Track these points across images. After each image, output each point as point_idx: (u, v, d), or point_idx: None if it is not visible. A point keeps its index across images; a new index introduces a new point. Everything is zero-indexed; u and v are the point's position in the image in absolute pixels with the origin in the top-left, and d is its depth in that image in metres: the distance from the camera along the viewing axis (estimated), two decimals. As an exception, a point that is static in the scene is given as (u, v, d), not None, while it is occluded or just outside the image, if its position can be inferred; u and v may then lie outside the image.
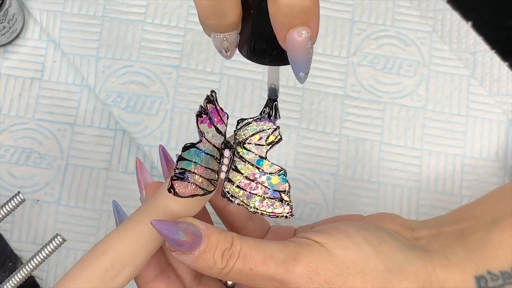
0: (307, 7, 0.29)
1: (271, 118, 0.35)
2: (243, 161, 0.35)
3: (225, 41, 0.31)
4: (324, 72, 0.52)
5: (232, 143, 0.36)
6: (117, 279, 0.33)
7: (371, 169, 0.51)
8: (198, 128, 0.34)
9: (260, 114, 0.35)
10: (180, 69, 0.52)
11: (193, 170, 0.34)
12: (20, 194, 0.39)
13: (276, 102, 0.35)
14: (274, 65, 0.32)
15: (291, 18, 0.29)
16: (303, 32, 0.29)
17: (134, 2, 0.53)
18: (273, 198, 0.35)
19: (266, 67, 0.33)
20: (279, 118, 0.36)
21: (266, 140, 0.36)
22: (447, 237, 0.38)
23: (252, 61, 0.32)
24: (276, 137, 0.36)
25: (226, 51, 0.32)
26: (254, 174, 0.35)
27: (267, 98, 0.35)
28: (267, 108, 0.35)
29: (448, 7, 0.54)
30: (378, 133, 0.52)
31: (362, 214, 0.43)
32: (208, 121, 0.35)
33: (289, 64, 0.31)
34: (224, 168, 0.35)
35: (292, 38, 0.29)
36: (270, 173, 0.35)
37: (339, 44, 0.53)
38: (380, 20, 0.53)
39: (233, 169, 0.35)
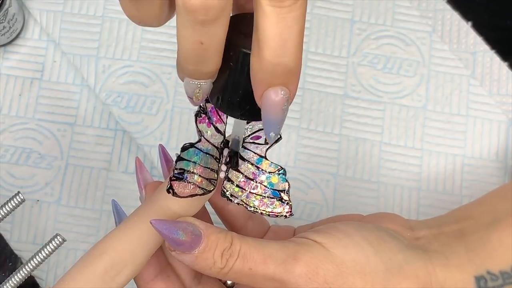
0: (290, 68, 0.28)
1: (229, 166, 0.35)
2: (243, 160, 0.35)
3: (198, 88, 0.31)
4: (324, 72, 0.52)
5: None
6: (117, 279, 0.33)
7: (371, 169, 0.51)
8: (197, 127, 0.34)
9: (219, 161, 0.35)
10: (180, 69, 0.52)
11: (192, 170, 0.34)
12: (20, 194, 0.39)
13: (237, 154, 0.35)
14: (246, 119, 0.32)
15: (272, 77, 0.28)
16: (282, 92, 0.28)
17: (134, 2, 0.53)
18: (272, 198, 0.35)
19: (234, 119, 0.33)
20: (236, 167, 0.35)
21: (265, 140, 0.36)
22: (447, 237, 0.38)
23: (223, 112, 0.32)
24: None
25: (196, 99, 0.31)
26: (253, 173, 0.35)
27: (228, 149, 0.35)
28: (228, 158, 0.35)
29: (448, 7, 0.54)
30: (378, 133, 0.52)
31: (362, 214, 0.43)
32: (207, 120, 0.35)
33: (260, 120, 0.30)
34: (224, 167, 0.35)
35: (269, 97, 0.29)
36: (270, 172, 0.35)
37: (339, 44, 0.53)
38: (380, 20, 0.53)
39: (232, 169, 0.35)
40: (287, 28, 0.27)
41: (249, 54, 0.28)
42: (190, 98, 0.32)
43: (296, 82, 0.29)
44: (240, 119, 0.32)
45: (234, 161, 0.35)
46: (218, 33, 0.28)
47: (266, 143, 0.36)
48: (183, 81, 0.31)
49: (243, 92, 0.30)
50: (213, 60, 0.29)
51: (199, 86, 0.31)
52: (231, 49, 0.29)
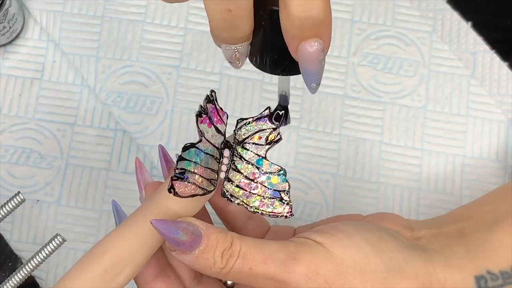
0: (319, 20, 0.28)
1: (281, 123, 0.35)
2: (243, 160, 0.35)
3: (236, 52, 0.31)
4: (324, 72, 0.52)
5: (231, 143, 0.36)
6: (117, 279, 0.33)
7: (371, 169, 0.51)
8: (198, 128, 0.34)
9: (271, 118, 0.35)
10: (180, 69, 0.52)
11: (193, 170, 0.34)
12: (20, 194, 0.39)
13: (287, 108, 0.35)
14: (286, 75, 0.32)
15: (303, 31, 0.29)
16: (315, 43, 0.29)
17: (134, 2, 0.53)
18: (273, 198, 0.35)
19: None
20: (289, 123, 0.35)
21: (265, 140, 0.36)
22: (447, 237, 0.38)
23: (264, 71, 0.32)
24: (276, 136, 0.36)
25: (237, 62, 0.32)
26: (254, 173, 0.35)
27: (277, 104, 0.35)
28: (278, 113, 0.35)
29: (448, 7, 0.54)
30: (378, 133, 0.52)
31: (362, 214, 0.43)
32: (208, 121, 0.35)
33: (300, 74, 0.31)
34: (224, 167, 0.35)
35: (304, 50, 0.29)
36: (270, 173, 0.35)
37: (339, 44, 0.53)
38: (380, 20, 0.53)
39: (233, 169, 0.35)
40: None
41: (278, 11, 0.29)
42: (230, 62, 0.32)
43: (329, 32, 0.29)
44: (281, 75, 0.32)
45: (284, 117, 0.35)
46: None
47: (266, 143, 0.36)
48: (220, 47, 0.31)
49: (279, 49, 0.31)
50: (245, 25, 0.30)
51: (236, 50, 0.31)
52: (261, 9, 0.30)
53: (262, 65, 0.32)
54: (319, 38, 0.29)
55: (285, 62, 0.31)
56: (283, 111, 0.35)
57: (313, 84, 0.31)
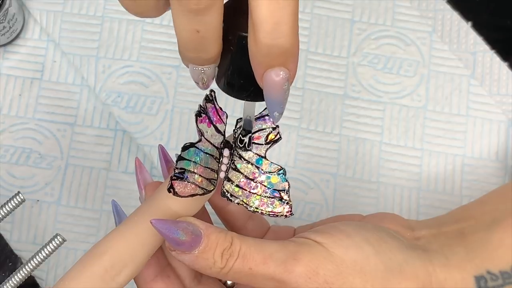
0: (286, 48, 0.28)
1: (244, 147, 0.35)
2: (243, 160, 0.35)
3: (202, 74, 0.31)
4: (324, 72, 0.52)
5: (231, 143, 0.36)
6: (117, 279, 0.33)
7: (371, 169, 0.51)
8: (198, 127, 0.34)
9: (234, 143, 0.35)
10: (180, 69, 0.52)
11: (192, 170, 0.34)
12: (20, 194, 0.39)
13: (250, 134, 0.35)
14: (251, 100, 0.32)
15: (269, 59, 0.28)
16: (281, 73, 0.29)
17: (134, 2, 0.53)
18: (272, 197, 0.35)
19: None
20: (251, 148, 0.35)
21: (265, 139, 0.36)
22: (447, 237, 0.38)
23: (229, 95, 0.32)
24: (276, 136, 0.36)
25: (203, 83, 0.32)
26: (253, 173, 0.35)
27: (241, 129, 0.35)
28: (241, 136, 0.35)
29: (448, 7, 0.54)
30: (378, 133, 0.52)
31: (362, 214, 0.43)
32: (207, 120, 0.35)
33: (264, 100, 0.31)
34: (224, 167, 0.35)
35: (269, 78, 0.29)
36: (270, 172, 0.35)
37: (339, 44, 0.53)
38: (380, 20, 0.53)
39: (232, 169, 0.35)
40: (279, 10, 0.27)
41: (247, 37, 0.28)
42: (197, 83, 0.32)
43: (295, 61, 0.29)
44: (246, 100, 0.32)
45: (246, 142, 0.35)
46: (212, 21, 0.28)
47: (266, 143, 0.36)
48: (187, 67, 0.31)
49: (245, 75, 0.30)
50: (212, 47, 0.30)
51: (202, 71, 0.31)
52: (230, 33, 0.30)
53: (228, 89, 0.32)
54: (285, 68, 0.29)
55: (251, 88, 0.31)
56: (247, 136, 0.35)
57: (276, 113, 0.31)
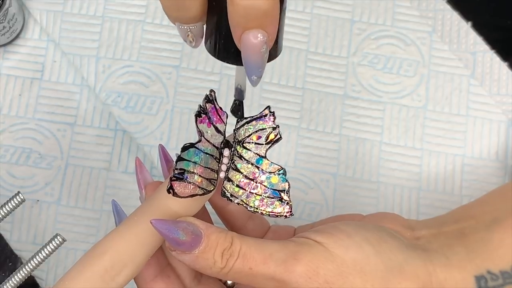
0: (265, 10, 0.28)
1: (237, 117, 0.35)
2: (243, 160, 0.35)
3: (189, 32, 0.31)
4: (324, 72, 0.52)
5: (231, 142, 0.36)
6: (117, 279, 0.33)
7: (371, 169, 0.51)
8: (197, 128, 0.34)
9: (232, 112, 0.35)
10: (180, 69, 0.52)
11: (192, 170, 0.34)
12: (20, 194, 0.39)
13: (242, 104, 0.35)
14: (231, 63, 0.32)
15: (247, 20, 0.28)
16: (259, 35, 0.29)
17: (134, 2, 0.53)
18: (272, 198, 0.35)
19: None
20: (243, 117, 0.35)
21: (265, 139, 0.36)
22: (447, 237, 0.38)
23: (212, 55, 0.32)
24: (276, 136, 0.36)
25: (191, 41, 0.32)
26: (253, 173, 0.35)
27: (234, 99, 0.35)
28: (234, 108, 0.35)
29: (448, 7, 0.54)
30: (378, 133, 0.52)
31: (362, 214, 0.43)
32: (207, 120, 0.35)
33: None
34: (224, 167, 0.35)
35: (246, 40, 0.29)
36: (270, 172, 0.35)
37: (339, 44, 0.53)
38: (380, 20, 0.53)
39: (232, 169, 0.35)
40: None
41: None
42: (185, 41, 0.32)
43: (274, 24, 0.29)
44: (227, 62, 0.32)
45: (239, 112, 0.35)
46: None
47: (266, 143, 0.36)
48: (174, 25, 0.31)
49: (226, 35, 0.30)
50: (193, 5, 0.30)
51: (188, 30, 0.31)
52: None
53: (212, 50, 0.32)
54: (263, 30, 0.29)
55: (232, 50, 0.31)
56: (238, 105, 0.35)
57: (254, 76, 0.31)
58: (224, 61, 0.32)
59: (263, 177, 0.35)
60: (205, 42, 0.32)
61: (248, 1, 0.28)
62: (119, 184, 0.51)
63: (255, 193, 0.35)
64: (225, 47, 0.31)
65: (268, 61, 0.32)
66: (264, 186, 0.35)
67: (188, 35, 0.31)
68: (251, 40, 0.29)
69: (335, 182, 0.51)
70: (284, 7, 0.31)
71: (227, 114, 0.36)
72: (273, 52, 0.32)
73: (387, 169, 0.51)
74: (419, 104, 0.52)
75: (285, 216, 0.35)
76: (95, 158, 0.51)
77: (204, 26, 0.32)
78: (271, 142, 0.36)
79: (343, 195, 0.50)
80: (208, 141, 0.35)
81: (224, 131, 0.36)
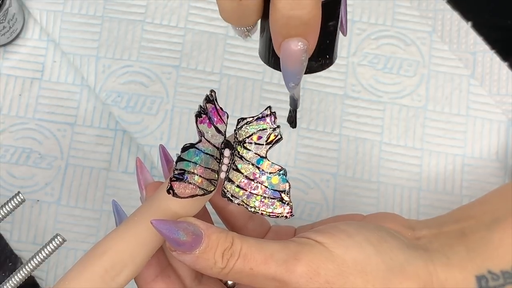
0: (306, 20, 0.28)
1: (292, 127, 0.36)
2: (243, 160, 0.35)
3: (247, 32, 0.32)
4: (324, 72, 0.52)
5: (232, 143, 0.36)
6: (117, 279, 0.33)
7: (371, 169, 0.51)
8: (198, 128, 0.34)
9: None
10: (180, 69, 0.52)
11: (192, 171, 0.34)
12: (20, 194, 0.39)
13: (295, 112, 0.36)
14: (273, 68, 0.32)
15: (288, 29, 0.29)
16: (299, 44, 0.29)
17: (134, 2, 0.53)
18: (273, 198, 0.35)
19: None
20: (295, 127, 0.36)
21: (266, 140, 0.36)
22: (448, 237, 0.38)
23: (259, 56, 0.33)
24: (276, 136, 0.36)
25: (247, 36, 0.33)
26: (254, 173, 0.35)
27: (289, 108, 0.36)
28: (289, 118, 0.36)
29: (448, 7, 0.54)
30: (378, 133, 0.52)
31: (363, 214, 0.43)
32: (207, 121, 0.35)
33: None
34: (224, 167, 0.35)
35: (286, 48, 0.29)
36: (270, 173, 0.35)
37: (339, 44, 0.53)
38: (380, 20, 0.53)
39: (233, 169, 0.35)
40: None
41: None
42: (241, 36, 0.33)
43: (315, 34, 0.29)
44: (269, 66, 0.32)
45: (293, 121, 0.36)
46: None
47: (267, 143, 0.36)
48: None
49: (268, 41, 0.31)
50: (253, 15, 0.30)
51: (246, 30, 0.32)
52: (266, 0, 0.30)
53: (262, 55, 0.33)
54: (303, 39, 0.29)
55: (273, 57, 0.31)
56: (290, 113, 0.36)
57: (292, 83, 0.31)
58: (267, 65, 0.33)
59: (263, 178, 0.35)
60: (260, 51, 0.33)
61: (291, 11, 0.28)
62: (119, 184, 0.51)
63: (256, 194, 0.35)
64: (269, 53, 0.32)
65: (322, 69, 0.33)
66: (265, 186, 0.35)
67: (245, 34, 0.32)
68: (291, 48, 0.29)
69: (335, 182, 0.51)
70: (338, 14, 0.32)
71: (227, 114, 0.36)
72: (329, 62, 0.33)
73: (387, 169, 0.51)
74: (419, 104, 0.52)
75: (286, 216, 0.35)
76: (95, 158, 0.51)
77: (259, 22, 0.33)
78: (272, 143, 0.36)
79: (343, 195, 0.50)
80: (209, 141, 0.35)
81: (225, 132, 0.36)
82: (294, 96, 0.35)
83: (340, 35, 0.34)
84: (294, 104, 0.35)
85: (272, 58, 0.32)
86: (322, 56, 0.32)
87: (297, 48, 0.29)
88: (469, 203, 0.43)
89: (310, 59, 0.31)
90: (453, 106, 0.52)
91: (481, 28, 0.53)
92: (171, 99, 0.52)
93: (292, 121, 0.36)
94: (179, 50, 0.53)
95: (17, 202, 0.39)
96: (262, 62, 0.33)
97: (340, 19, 0.32)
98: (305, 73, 0.32)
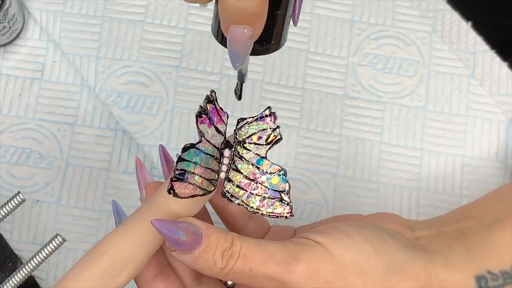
0: (252, 11, 0.29)
1: (237, 98, 0.37)
2: (243, 160, 0.35)
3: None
4: (324, 72, 0.52)
5: (232, 143, 0.36)
6: (117, 279, 0.33)
7: (371, 169, 0.51)
8: (198, 128, 0.34)
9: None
10: (180, 69, 0.52)
11: (192, 171, 0.34)
12: (20, 194, 0.39)
13: (241, 85, 0.37)
14: (221, 44, 0.34)
15: (235, 17, 0.29)
16: (245, 30, 0.30)
17: (134, 2, 0.53)
18: (273, 198, 0.35)
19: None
20: (240, 98, 0.37)
21: (266, 140, 0.36)
22: (447, 237, 0.38)
23: (211, 30, 0.34)
24: (276, 136, 0.36)
25: (202, 6, 0.33)
26: (254, 174, 0.35)
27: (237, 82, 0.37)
28: (235, 89, 0.37)
29: (448, 7, 0.54)
30: (378, 133, 0.52)
31: (362, 214, 0.43)
32: (208, 121, 0.35)
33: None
34: (224, 168, 0.35)
35: (232, 33, 0.30)
36: (270, 173, 0.35)
37: (339, 44, 0.53)
38: (380, 20, 0.53)
39: (233, 169, 0.35)
40: None
41: None
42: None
43: (261, 23, 0.30)
44: (220, 43, 0.33)
45: (239, 93, 0.37)
46: None
47: (266, 143, 0.36)
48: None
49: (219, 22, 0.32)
50: None
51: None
52: None
53: (213, 31, 0.34)
54: (250, 26, 0.30)
55: (224, 37, 0.32)
56: (237, 85, 0.37)
57: (237, 63, 0.32)
58: (222, 45, 0.34)
59: (263, 178, 0.35)
60: (212, 27, 0.34)
61: (237, 2, 0.29)
62: (119, 184, 0.51)
63: (256, 194, 0.35)
64: (220, 33, 0.33)
65: (268, 53, 0.34)
66: (265, 186, 0.35)
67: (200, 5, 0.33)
68: (237, 35, 0.30)
69: (335, 182, 0.51)
70: (287, 4, 0.33)
71: (227, 115, 0.36)
72: (274, 47, 0.34)
73: (387, 169, 0.51)
74: (419, 104, 0.52)
75: (286, 216, 0.35)
76: (95, 158, 0.51)
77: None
78: (272, 143, 0.36)
79: (343, 195, 0.50)
80: (209, 141, 0.35)
81: (225, 132, 0.36)
82: (242, 71, 0.36)
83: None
84: (241, 77, 0.36)
85: (221, 36, 0.33)
86: (267, 41, 0.33)
87: (242, 35, 0.30)
88: (469, 203, 0.43)
89: (255, 43, 0.32)
90: (453, 106, 0.52)
91: (481, 28, 0.53)
92: (171, 99, 0.52)
93: (237, 93, 0.37)
94: (179, 50, 0.53)
95: (17, 202, 0.39)
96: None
97: (293, 9, 0.34)
98: (250, 55, 0.33)
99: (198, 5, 0.32)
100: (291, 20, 0.35)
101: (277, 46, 0.34)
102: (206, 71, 0.52)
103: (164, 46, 0.53)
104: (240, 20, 0.30)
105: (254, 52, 0.33)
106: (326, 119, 0.52)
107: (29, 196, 0.50)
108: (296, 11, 0.34)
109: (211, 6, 0.33)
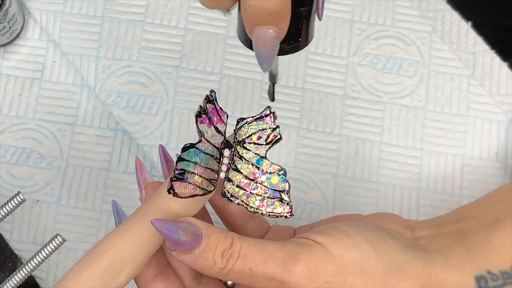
0: (275, 11, 0.29)
1: (270, 99, 0.38)
2: (243, 160, 0.35)
3: (226, 12, 0.33)
4: (324, 72, 0.52)
5: (232, 143, 0.36)
6: (117, 279, 0.33)
7: (371, 169, 0.51)
8: (198, 128, 0.34)
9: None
10: (180, 69, 0.52)
11: (192, 171, 0.34)
12: (20, 194, 0.39)
13: (274, 87, 0.37)
14: (249, 48, 0.34)
15: (258, 18, 0.29)
16: (270, 31, 0.30)
17: (134, 2, 0.53)
18: (273, 198, 0.35)
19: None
20: (274, 100, 0.38)
21: (266, 140, 0.36)
22: (447, 237, 0.38)
23: (237, 35, 0.34)
24: (276, 136, 0.36)
25: (225, 13, 0.33)
26: (254, 173, 0.35)
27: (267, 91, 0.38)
28: (268, 91, 0.38)
29: (448, 7, 0.54)
30: (378, 133, 0.52)
31: (362, 214, 0.43)
32: (207, 121, 0.35)
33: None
34: (224, 167, 0.35)
35: (257, 34, 0.30)
36: (270, 173, 0.35)
37: (339, 44, 0.53)
38: (380, 20, 0.53)
39: (233, 169, 0.35)
40: None
41: None
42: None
43: (285, 22, 0.30)
44: (247, 47, 0.33)
45: (272, 95, 0.38)
46: None
47: (266, 143, 0.36)
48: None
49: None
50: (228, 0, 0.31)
51: (225, 10, 0.33)
52: None
53: (240, 36, 0.34)
54: (275, 26, 0.30)
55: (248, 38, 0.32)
56: (270, 87, 0.37)
57: (265, 65, 0.32)
58: (246, 46, 0.34)
59: (263, 178, 0.35)
60: (237, 31, 0.34)
61: (259, 2, 0.28)
62: (119, 184, 0.51)
63: (255, 194, 0.35)
64: (247, 37, 0.33)
65: (297, 51, 0.34)
66: (265, 186, 0.35)
67: (223, 12, 0.33)
68: (262, 36, 0.30)
69: (335, 182, 0.51)
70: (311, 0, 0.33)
71: (227, 115, 0.36)
72: (303, 45, 0.34)
73: (387, 169, 0.51)
74: (419, 104, 0.52)
75: (286, 216, 0.35)
76: (95, 158, 0.51)
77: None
78: (271, 143, 0.36)
79: (343, 195, 0.50)
80: (209, 141, 0.35)
81: (225, 132, 0.36)
82: (273, 72, 0.36)
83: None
84: (272, 79, 0.36)
85: (248, 40, 0.33)
86: (294, 39, 0.33)
87: (268, 35, 0.30)
88: (469, 203, 0.43)
89: (282, 42, 0.32)
90: (453, 106, 0.52)
91: (481, 28, 0.53)
92: (171, 99, 0.52)
93: (271, 95, 0.37)
94: (179, 50, 0.53)
95: (17, 202, 0.39)
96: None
97: (316, 3, 0.33)
98: (278, 55, 0.33)
99: (222, 11, 0.32)
100: (315, 15, 0.34)
101: (305, 43, 0.34)
102: (206, 71, 0.52)
103: (164, 46, 0.53)
104: (263, 20, 0.29)
105: (283, 52, 0.33)
106: (326, 119, 0.52)
107: (29, 196, 0.50)
108: (320, 5, 0.34)
109: (217, 11, 0.33)
